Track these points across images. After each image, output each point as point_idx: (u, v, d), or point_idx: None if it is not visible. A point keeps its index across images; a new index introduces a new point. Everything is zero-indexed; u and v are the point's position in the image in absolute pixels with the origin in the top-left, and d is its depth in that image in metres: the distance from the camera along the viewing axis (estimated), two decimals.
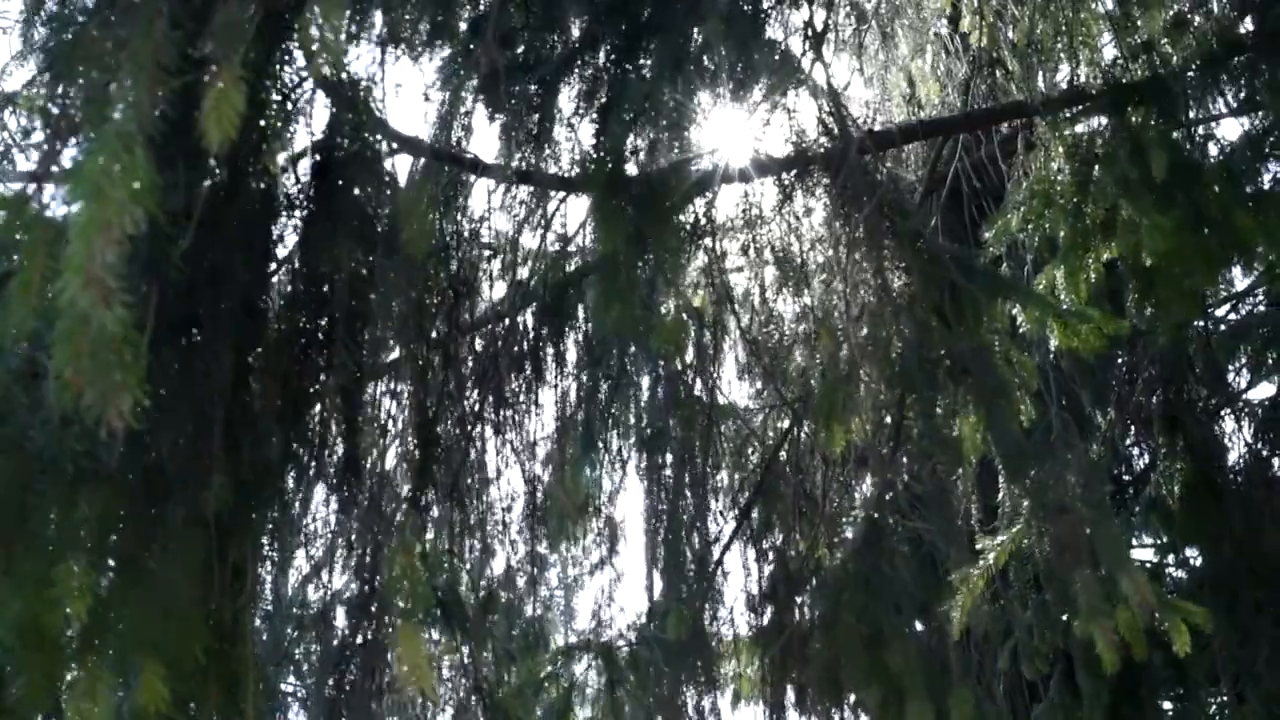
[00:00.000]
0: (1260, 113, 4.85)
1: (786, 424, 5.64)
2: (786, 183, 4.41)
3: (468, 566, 5.36)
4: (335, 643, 4.59)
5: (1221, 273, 4.98)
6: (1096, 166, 4.01)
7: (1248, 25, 4.51)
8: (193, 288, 2.68)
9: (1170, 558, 6.25)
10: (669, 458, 5.52)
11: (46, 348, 2.15)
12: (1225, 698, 5.48)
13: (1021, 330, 3.94)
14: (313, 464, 3.38)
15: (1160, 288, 3.88)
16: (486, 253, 5.15)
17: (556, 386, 5.21)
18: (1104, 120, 4.20)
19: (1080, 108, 4.32)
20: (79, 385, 2.00)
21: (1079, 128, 4.29)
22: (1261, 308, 6.23)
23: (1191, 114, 4.27)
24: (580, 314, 5.19)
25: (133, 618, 2.66)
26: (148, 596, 2.71)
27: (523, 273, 5.09)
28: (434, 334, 4.34)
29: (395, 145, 3.98)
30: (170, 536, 2.80)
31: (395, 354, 4.22)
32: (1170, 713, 5.50)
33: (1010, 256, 4.89)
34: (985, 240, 4.44)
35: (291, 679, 5.33)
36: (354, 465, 3.51)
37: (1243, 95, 4.71)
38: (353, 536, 4.01)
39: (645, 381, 5.40)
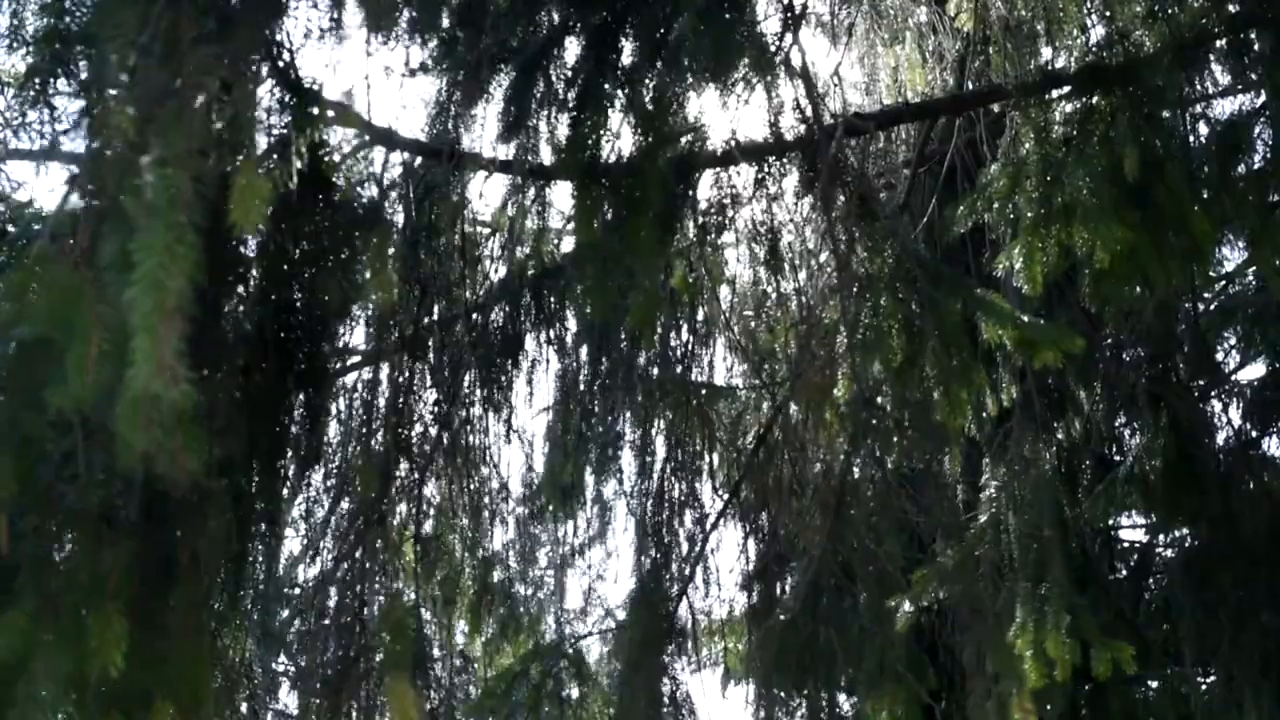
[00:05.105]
0: (1250, 93, 4.88)
1: (775, 402, 5.67)
2: (763, 170, 4.45)
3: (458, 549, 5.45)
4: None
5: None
6: (1064, 151, 4.03)
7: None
8: None
9: (1161, 537, 6.26)
10: (659, 438, 5.59)
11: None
12: (1212, 678, 5.53)
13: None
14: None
15: (1111, 285, 3.92)
16: (486, 230, 5.20)
17: (548, 369, 5.27)
18: (1077, 106, 4.21)
19: (1055, 93, 4.33)
20: (148, 453, 2.22)
21: (1055, 113, 4.30)
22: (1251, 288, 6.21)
23: (1168, 99, 4.27)
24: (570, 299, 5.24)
25: (149, 664, 2.77)
26: (160, 642, 2.82)
27: (516, 256, 5.14)
28: (414, 326, 4.42)
29: (369, 138, 4.01)
30: (176, 580, 2.92)
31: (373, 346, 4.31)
32: (1140, 693, 5.55)
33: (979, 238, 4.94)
34: (955, 219, 4.47)
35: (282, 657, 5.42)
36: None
37: (1224, 81, 4.75)
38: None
39: (636, 363, 5.44)
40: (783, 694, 4.60)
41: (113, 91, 2.62)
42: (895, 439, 4.37)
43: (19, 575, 2.63)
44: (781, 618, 4.43)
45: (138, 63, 2.59)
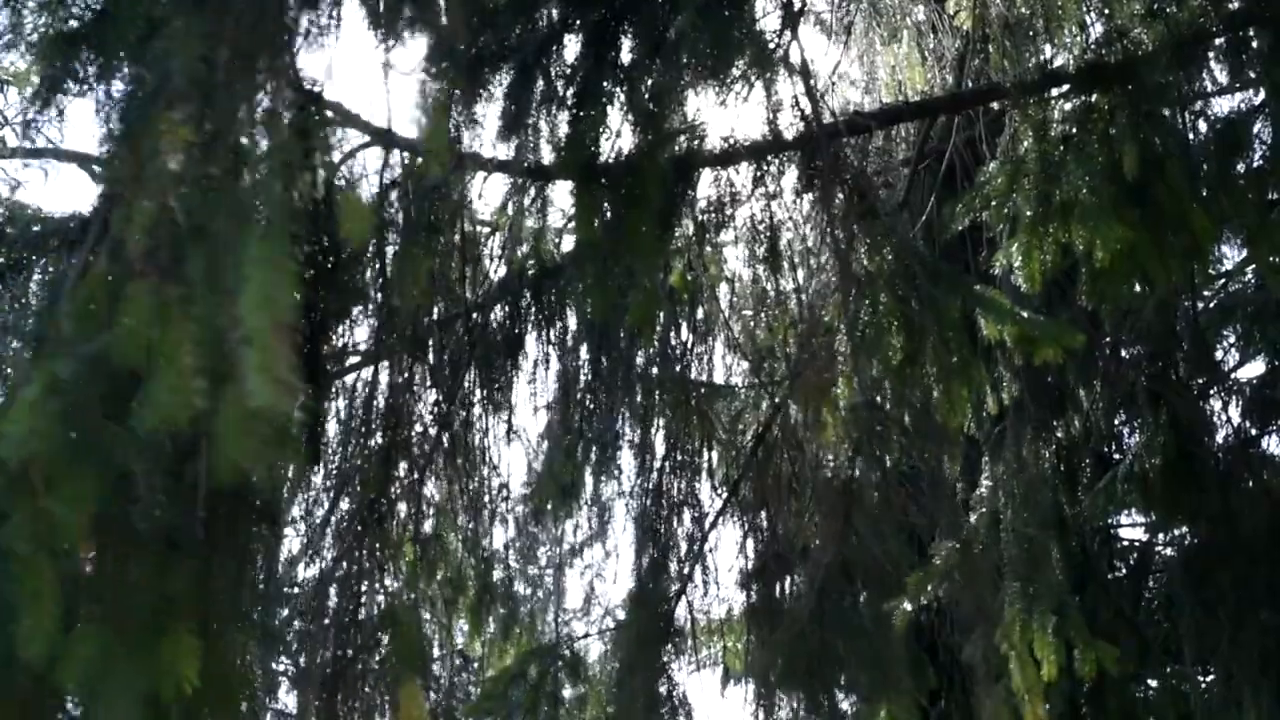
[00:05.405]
0: (1249, 91, 4.88)
1: (775, 401, 5.67)
2: (762, 168, 4.45)
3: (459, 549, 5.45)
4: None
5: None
6: (1063, 149, 4.04)
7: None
8: None
9: (1160, 535, 6.26)
10: (658, 437, 5.58)
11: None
12: (1211, 677, 5.53)
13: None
14: None
15: (1109, 284, 3.93)
16: (486, 230, 5.20)
17: (548, 368, 5.27)
18: (1076, 104, 4.21)
19: (1055, 91, 4.34)
20: (249, 465, 2.29)
21: (1054, 111, 4.30)
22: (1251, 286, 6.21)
23: (1167, 97, 4.27)
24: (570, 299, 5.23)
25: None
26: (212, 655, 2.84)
27: (516, 256, 5.14)
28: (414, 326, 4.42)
29: (369, 138, 4.01)
30: (218, 593, 2.95)
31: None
32: (1139, 691, 5.56)
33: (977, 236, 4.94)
34: (952, 216, 4.47)
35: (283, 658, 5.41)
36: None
37: (1224, 79, 4.75)
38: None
39: (636, 362, 5.44)
40: (795, 701, 4.60)
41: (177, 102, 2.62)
42: (899, 440, 4.37)
43: (88, 594, 2.63)
44: (792, 627, 4.43)
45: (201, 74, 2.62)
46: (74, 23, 3.31)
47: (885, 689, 4.27)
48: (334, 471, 4.63)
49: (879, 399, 4.39)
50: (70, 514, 2.43)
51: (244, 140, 2.67)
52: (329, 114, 3.59)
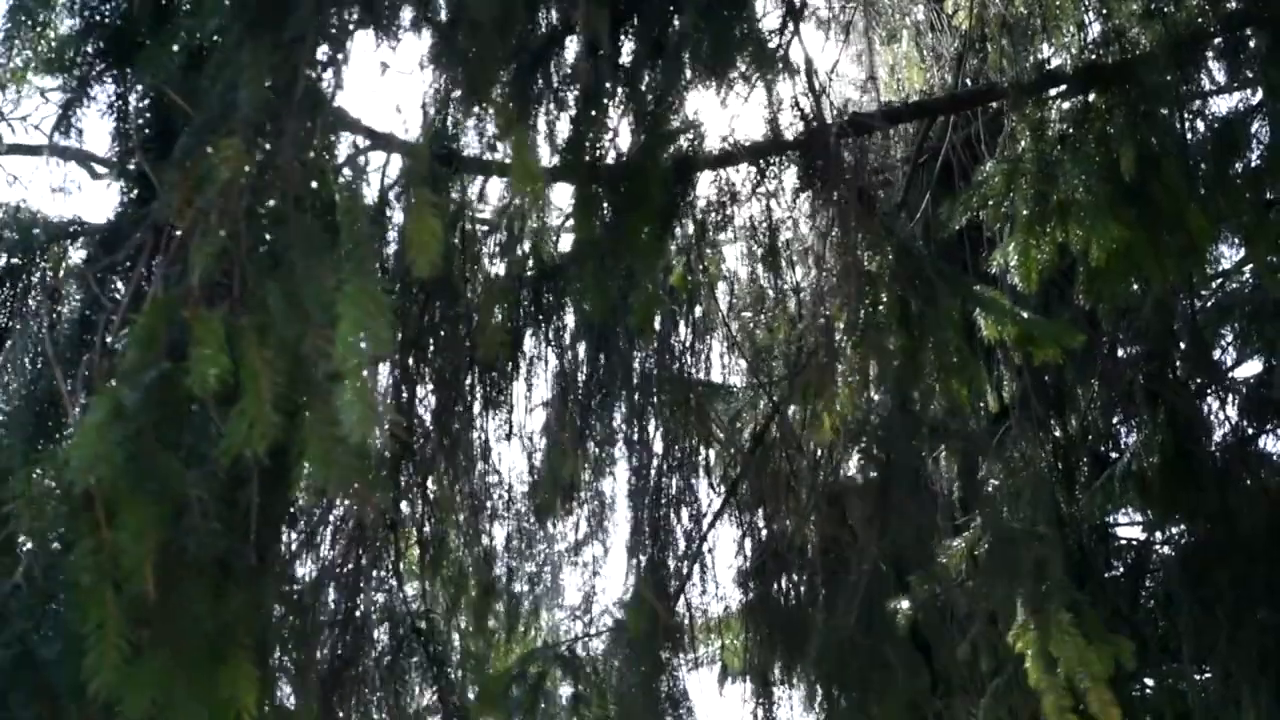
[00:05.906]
0: (1246, 91, 4.90)
1: (774, 400, 5.68)
2: (762, 168, 4.46)
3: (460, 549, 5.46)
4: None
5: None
6: (1060, 148, 4.05)
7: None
8: None
9: (1158, 534, 6.28)
10: (657, 435, 5.58)
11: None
12: (1209, 675, 5.55)
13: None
14: None
15: (1106, 283, 3.94)
16: (484, 229, 5.20)
17: (546, 368, 5.27)
18: (1073, 104, 4.23)
19: (1053, 91, 4.35)
20: (336, 492, 2.28)
21: (1051, 111, 4.32)
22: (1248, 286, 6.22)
23: (1165, 97, 4.29)
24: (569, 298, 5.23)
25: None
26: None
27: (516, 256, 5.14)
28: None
29: (368, 142, 4.01)
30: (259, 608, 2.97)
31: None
32: (1137, 690, 5.57)
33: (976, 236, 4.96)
34: (949, 215, 4.49)
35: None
36: None
37: (1221, 78, 4.77)
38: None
39: (634, 361, 5.44)
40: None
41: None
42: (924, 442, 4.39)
43: (148, 623, 2.62)
44: (838, 633, 4.45)
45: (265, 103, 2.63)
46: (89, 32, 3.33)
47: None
48: None
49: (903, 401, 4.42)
50: (134, 546, 2.42)
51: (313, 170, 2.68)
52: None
